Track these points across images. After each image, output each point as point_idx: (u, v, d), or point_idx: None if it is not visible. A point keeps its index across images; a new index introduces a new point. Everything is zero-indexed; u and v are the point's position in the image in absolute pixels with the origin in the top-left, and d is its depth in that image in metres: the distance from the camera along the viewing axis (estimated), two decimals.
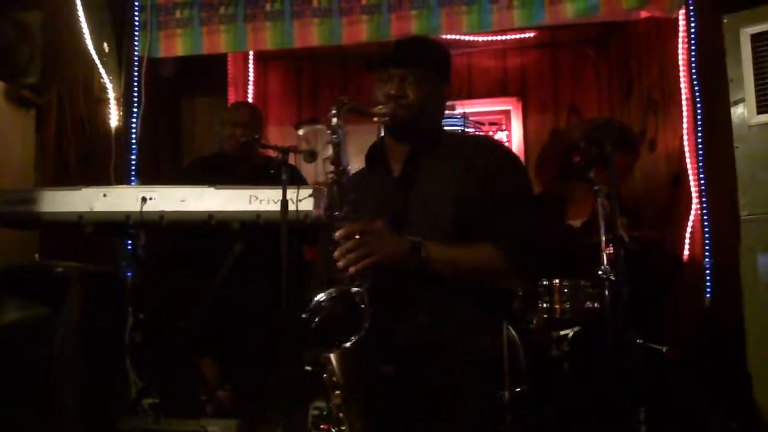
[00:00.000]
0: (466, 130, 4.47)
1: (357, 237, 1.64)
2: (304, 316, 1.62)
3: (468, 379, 1.75)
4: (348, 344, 1.55)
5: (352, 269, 1.61)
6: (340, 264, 1.62)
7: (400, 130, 1.92)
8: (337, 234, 1.65)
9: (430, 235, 1.76)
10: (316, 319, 1.61)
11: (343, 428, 1.59)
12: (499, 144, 2.06)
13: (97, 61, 4.00)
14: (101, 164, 3.97)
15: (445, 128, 2.12)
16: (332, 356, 1.57)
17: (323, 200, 3.00)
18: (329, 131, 1.79)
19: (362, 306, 1.58)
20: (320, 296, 1.63)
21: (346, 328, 1.58)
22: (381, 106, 1.85)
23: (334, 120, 1.78)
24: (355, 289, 1.61)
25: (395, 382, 1.68)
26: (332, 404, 1.60)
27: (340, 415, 1.59)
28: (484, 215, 1.80)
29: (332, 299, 1.63)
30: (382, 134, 2.03)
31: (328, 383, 1.59)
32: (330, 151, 1.84)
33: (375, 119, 1.85)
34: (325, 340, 1.60)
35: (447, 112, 4.85)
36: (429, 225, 1.80)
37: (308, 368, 1.64)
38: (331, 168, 1.79)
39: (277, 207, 2.85)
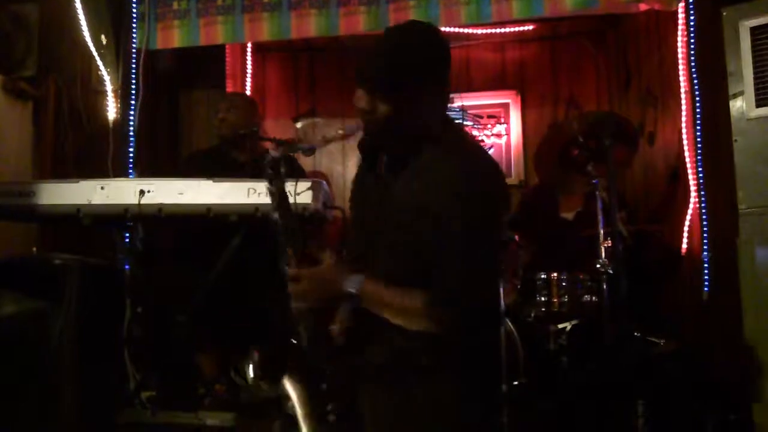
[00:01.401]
0: (465, 123, 4.47)
1: (300, 280, 1.76)
2: None
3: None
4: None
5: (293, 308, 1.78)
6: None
7: (373, 145, 1.91)
8: (288, 274, 1.77)
9: (377, 257, 1.81)
10: None
11: None
12: (458, 168, 1.75)
13: (95, 54, 3.99)
14: (99, 157, 3.96)
15: (446, 126, 1.91)
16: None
17: (321, 194, 3.00)
18: (268, 182, 1.89)
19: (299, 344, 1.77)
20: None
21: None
22: (346, 124, 1.84)
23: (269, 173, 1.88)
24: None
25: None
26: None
27: None
28: (423, 245, 1.73)
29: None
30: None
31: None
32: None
33: (339, 138, 1.87)
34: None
35: None
36: (380, 246, 1.82)
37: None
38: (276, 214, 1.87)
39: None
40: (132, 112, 4.07)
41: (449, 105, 2.01)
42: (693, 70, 3.62)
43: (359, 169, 1.97)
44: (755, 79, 3.06)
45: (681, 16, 3.76)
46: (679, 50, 3.79)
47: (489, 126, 5.02)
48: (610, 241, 3.11)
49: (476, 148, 1.99)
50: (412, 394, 1.75)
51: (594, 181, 3.21)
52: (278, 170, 1.85)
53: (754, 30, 3.07)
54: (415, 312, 1.71)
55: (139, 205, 2.98)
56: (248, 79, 4.93)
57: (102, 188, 3.04)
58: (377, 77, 1.74)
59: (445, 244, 1.69)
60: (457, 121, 2.05)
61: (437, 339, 1.72)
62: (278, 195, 1.87)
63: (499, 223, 1.81)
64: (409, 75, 1.74)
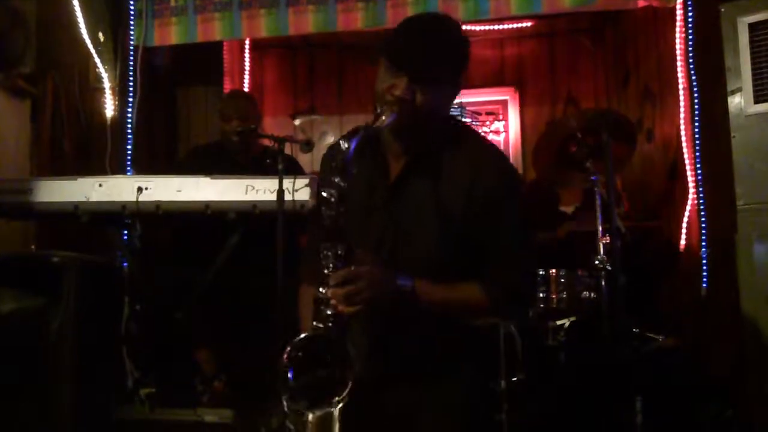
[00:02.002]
0: (463, 120, 4.47)
1: (348, 280, 1.58)
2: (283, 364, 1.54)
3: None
4: (336, 402, 1.51)
5: (340, 308, 1.57)
6: (333, 302, 1.58)
7: (399, 132, 1.76)
8: (331, 279, 1.58)
9: (416, 252, 1.73)
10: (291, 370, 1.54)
11: None
12: (503, 160, 1.82)
13: (93, 51, 3.98)
14: (97, 154, 3.96)
15: (456, 122, 1.91)
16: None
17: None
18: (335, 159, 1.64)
19: (345, 359, 1.53)
20: (297, 341, 1.56)
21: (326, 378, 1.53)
22: (385, 109, 1.66)
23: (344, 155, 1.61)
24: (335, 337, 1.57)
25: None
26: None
27: None
28: (475, 240, 1.72)
29: (310, 344, 1.56)
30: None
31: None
32: (329, 140, 1.77)
33: (376, 124, 1.67)
34: (303, 392, 1.54)
35: None
36: (420, 240, 1.73)
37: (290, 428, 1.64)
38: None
39: (274, 197, 2.84)
40: (130, 109, 4.07)
41: None
42: (691, 66, 3.62)
43: (343, 172, 1.68)
44: (753, 75, 3.06)
45: (679, 12, 3.76)
46: (677, 47, 3.79)
47: (487, 123, 5.03)
48: (608, 238, 3.11)
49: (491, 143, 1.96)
50: (444, 389, 1.74)
51: (593, 178, 3.21)
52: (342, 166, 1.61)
53: (752, 26, 3.07)
54: (478, 303, 1.71)
55: (137, 202, 2.98)
56: (246, 76, 4.93)
57: (100, 185, 3.03)
58: (424, 66, 1.67)
59: (507, 228, 1.73)
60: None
61: (467, 331, 1.74)
62: (338, 192, 1.62)
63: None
64: (449, 67, 1.72)
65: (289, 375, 1.52)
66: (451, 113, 1.89)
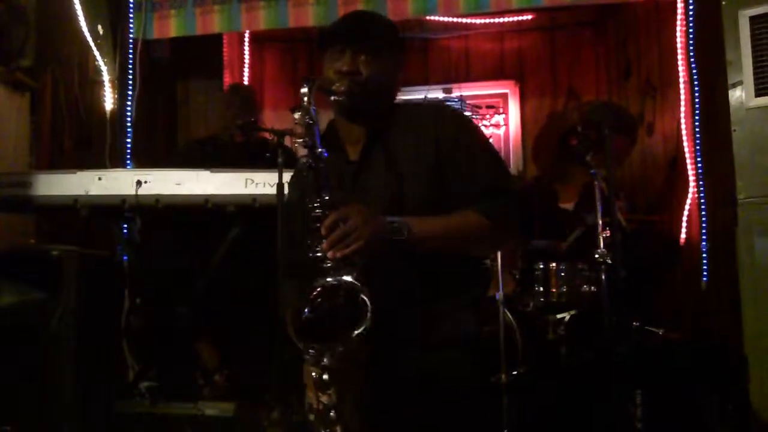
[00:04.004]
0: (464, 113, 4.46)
1: (340, 225, 1.56)
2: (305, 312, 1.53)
3: (457, 366, 1.73)
4: (356, 334, 1.46)
5: (339, 253, 1.53)
6: (330, 254, 1.53)
7: (354, 110, 1.82)
8: (324, 225, 1.55)
9: (410, 191, 1.75)
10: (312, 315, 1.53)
11: (336, 428, 1.52)
12: (443, 106, 1.98)
13: (92, 44, 3.97)
14: (96, 147, 3.96)
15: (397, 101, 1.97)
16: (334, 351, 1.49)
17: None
18: (300, 113, 1.71)
19: (362, 296, 1.48)
20: (316, 288, 1.52)
21: (345, 320, 1.49)
22: (336, 84, 1.75)
23: (306, 99, 1.69)
24: (350, 279, 1.51)
25: (385, 372, 1.63)
26: (323, 403, 1.54)
27: (332, 414, 1.53)
28: (451, 183, 1.77)
29: (328, 291, 1.52)
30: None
31: (316, 382, 1.51)
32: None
33: (333, 97, 1.75)
34: (322, 335, 1.50)
35: (444, 95, 4.87)
36: (398, 208, 1.73)
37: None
38: (305, 152, 1.68)
39: (273, 190, 2.84)
40: (129, 103, 4.06)
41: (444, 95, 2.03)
42: (692, 59, 3.62)
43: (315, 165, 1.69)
44: (754, 68, 3.05)
45: (680, 5, 3.75)
46: (678, 40, 3.78)
47: (487, 116, 5.01)
48: (608, 232, 3.11)
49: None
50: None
51: (593, 171, 3.20)
52: (310, 107, 1.67)
53: (753, 19, 3.06)
54: (477, 224, 1.71)
55: (136, 195, 2.97)
56: (246, 69, 4.92)
57: (99, 179, 3.03)
58: (363, 35, 1.80)
59: (475, 162, 1.78)
60: None
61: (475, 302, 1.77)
62: (312, 132, 1.67)
63: None
64: (385, 39, 1.84)
65: (306, 312, 1.51)
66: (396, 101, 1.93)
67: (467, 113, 1.87)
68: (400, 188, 1.75)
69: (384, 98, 1.87)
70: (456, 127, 1.82)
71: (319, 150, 1.65)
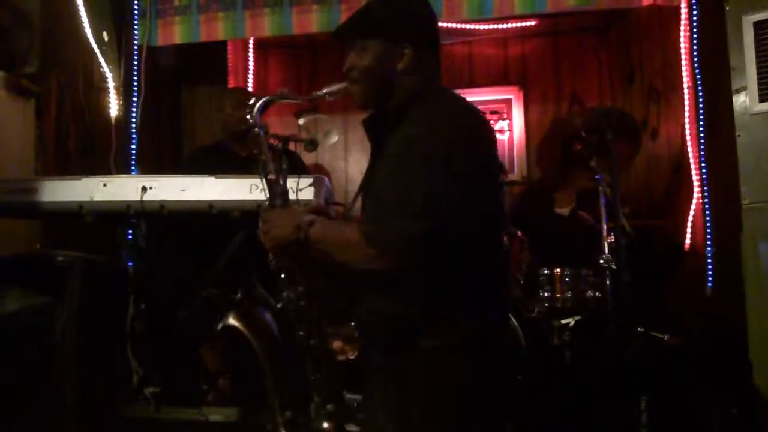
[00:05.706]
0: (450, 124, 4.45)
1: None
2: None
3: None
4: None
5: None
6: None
7: (365, 105, 1.90)
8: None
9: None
10: None
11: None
12: (437, 111, 1.76)
13: (97, 50, 3.99)
14: (101, 153, 3.97)
15: (439, 93, 1.88)
16: None
17: (323, 189, 3.00)
18: (252, 125, 1.93)
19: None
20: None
21: None
22: (325, 88, 1.95)
23: (251, 115, 1.89)
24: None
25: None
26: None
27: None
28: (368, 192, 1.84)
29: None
30: None
31: None
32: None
33: (309, 100, 2.02)
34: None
35: None
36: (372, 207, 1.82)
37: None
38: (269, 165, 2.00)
39: None
40: (134, 109, 4.07)
41: (437, 70, 1.94)
42: (696, 65, 3.62)
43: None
44: (758, 74, 3.05)
45: (684, 11, 3.75)
46: (682, 45, 3.78)
47: (491, 122, 5.02)
48: (613, 237, 3.11)
49: (454, 100, 1.87)
50: (411, 377, 1.70)
51: (597, 177, 3.20)
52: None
53: (757, 24, 3.06)
54: (350, 236, 1.68)
55: (141, 202, 2.98)
56: (250, 76, 4.93)
57: (104, 185, 3.03)
58: (348, 28, 1.87)
59: (399, 171, 1.69)
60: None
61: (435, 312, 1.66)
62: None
63: (468, 153, 1.70)
64: (383, 29, 1.83)
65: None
66: (432, 79, 1.89)
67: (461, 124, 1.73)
68: (373, 188, 1.81)
69: (384, 89, 1.84)
70: (410, 136, 1.70)
71: (263, 158, 2.01)
